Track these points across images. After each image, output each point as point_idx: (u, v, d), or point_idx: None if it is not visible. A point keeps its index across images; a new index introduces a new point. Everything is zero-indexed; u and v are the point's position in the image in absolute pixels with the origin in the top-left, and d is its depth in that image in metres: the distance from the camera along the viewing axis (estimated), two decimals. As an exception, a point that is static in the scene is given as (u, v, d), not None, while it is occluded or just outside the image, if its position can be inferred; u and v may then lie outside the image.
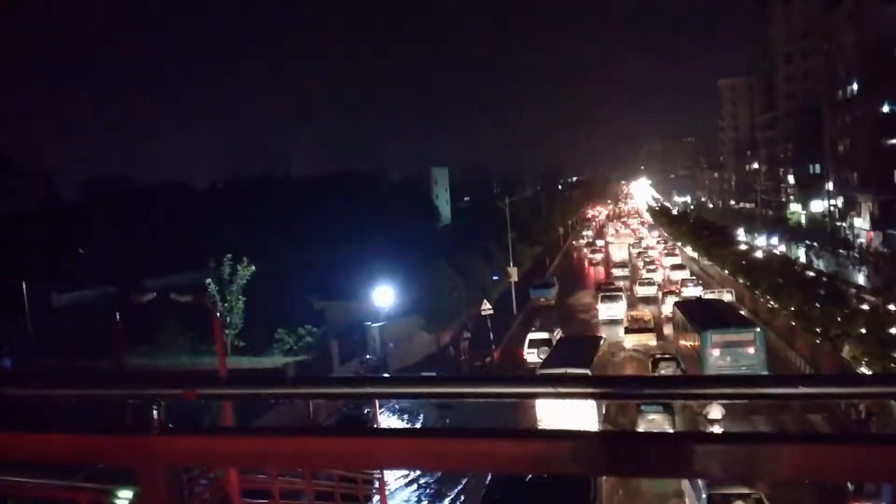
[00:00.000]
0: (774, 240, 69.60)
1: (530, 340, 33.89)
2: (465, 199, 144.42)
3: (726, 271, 43.23)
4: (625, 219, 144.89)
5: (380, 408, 29.58)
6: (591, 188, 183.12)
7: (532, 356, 32.77)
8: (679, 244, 76.13)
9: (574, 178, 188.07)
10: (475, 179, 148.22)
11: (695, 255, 66.61)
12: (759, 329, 28.13)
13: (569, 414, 20.08)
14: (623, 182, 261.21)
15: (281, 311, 34.83)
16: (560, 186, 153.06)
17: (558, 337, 34.15)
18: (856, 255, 55.76)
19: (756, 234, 75.46)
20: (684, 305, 35.19)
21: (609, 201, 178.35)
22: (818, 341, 27.66)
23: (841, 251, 58.45)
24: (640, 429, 20.19)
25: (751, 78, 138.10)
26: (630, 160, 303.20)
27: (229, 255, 34.37)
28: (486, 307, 37.64)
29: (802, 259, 57.20)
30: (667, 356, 28.41)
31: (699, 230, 65.67)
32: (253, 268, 34.32)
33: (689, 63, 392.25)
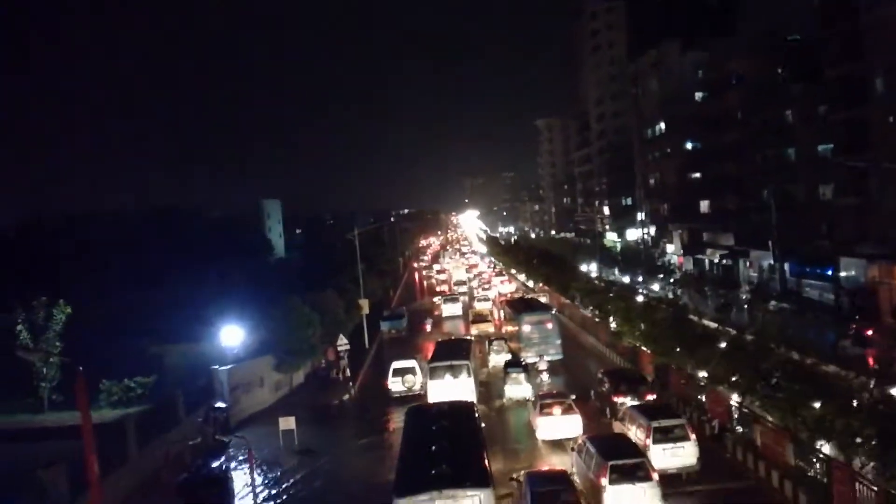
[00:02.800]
0: (593, 266, 73.49)
1: (394, 369, 33.43)
2: (298, 231, 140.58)
3: (576, 300, 45.49)
4: (457, 246, 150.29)
5: (235, 459, 26.68)
6: (423, 220, 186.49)
7: (396, 385, 32.84)
8: (512, 271, 79.75)
9: (406, 211, 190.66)
10: (307, 212, 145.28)
11: (530, 282, 69.56)
12: (554, 311, 40.97)
13: (453, 388, 27.83)
14: (452, 213, 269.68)
15: (108, 358, 30.50)
16: (392, 218, 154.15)
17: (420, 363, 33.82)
18: (672, 279, 60.93)
19: (579, 262, 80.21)
20: (509, 302, 47.39)
21: (440, 232, 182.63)
22: (671, 363, 29.23)
23: (660, 275, 63.62)
24: (507, 384, 30.15)
25: (565, 117, 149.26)
26: (456, 193, 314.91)
27: (43, 298, 29.71)
28: (343, 342, 35.91)
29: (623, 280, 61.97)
30: (498, 337, 40.48)
31: (535, 259, 68.45)
32: (69, 310, 29.91)
33: (508, 103, 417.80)
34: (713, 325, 32.75)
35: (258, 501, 21.17)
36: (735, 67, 60.39)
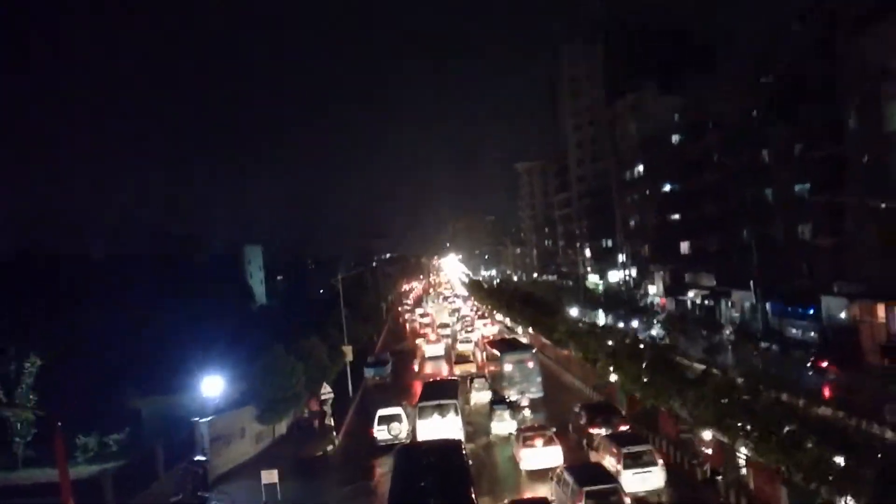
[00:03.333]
0: (575, 309, 73.35)
1: (380, 417, 32.88)
2: (279, 277, 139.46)
3: (561, 342, 45.35)
4: (440, 290, 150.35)
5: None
6: (405, 264, 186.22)
7: (382, 433, 32.25)
8: (495, 313, 79.66)
9: (388, 255, 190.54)
10: (288, 258, 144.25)
11: (513, 325, 69.35)
12: (534, 350, 42.97)
13: (441, 427, 28.93)
14: (435, 257, 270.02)
15: (85, 411, 29.56)
16: (375, 263, 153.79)
17: (406, 410, 33.22)
18: (657, 319, 61.05)
19: (562, 304, 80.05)
20: (491, 342, 50.22)
21: (422, 276, 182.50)
22: (659, 406, 28.98)
23: (644, 317, 63.71)
24: (493, 420, 31.99)
25: (545, 161, 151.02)
26: (437, 237, 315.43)
27: (12, 349, 28.79)
28: (326, 391, 35.27)
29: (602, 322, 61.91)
30: (479, 375, 42.72)
31: (518, 302, 68.32)
32: (40, 362, 28.91)
33: (488, 147, 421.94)
34: (700, 366, 32.66)
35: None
36: (711, 110, 61.68)
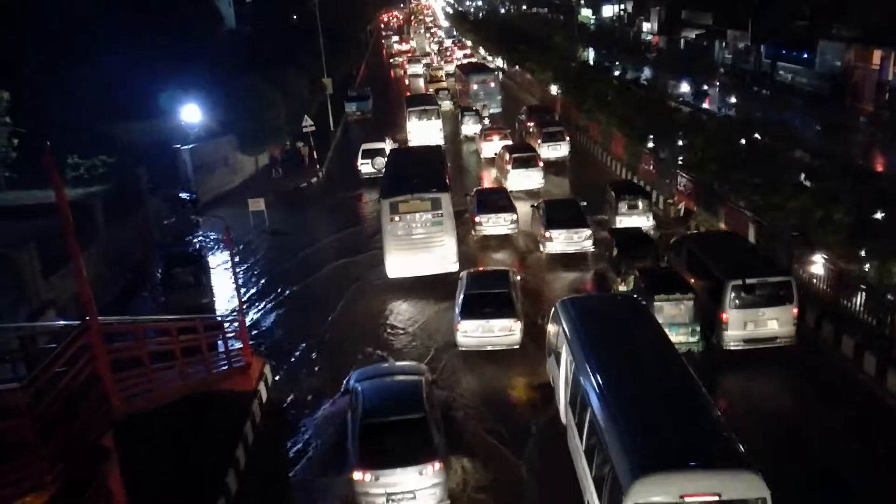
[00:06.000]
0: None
1: (363, 151, 33.06)
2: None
3: (554, 86, 44.08)
4: (421, 17, 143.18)
5: (207, 238, 26.79)
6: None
7: (366, 167, 32.60)
8: (481, 50, 76.36)
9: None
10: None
11: (500, 62, 66.95)
12: (496, 72, 51.88)
13: (426, 127, 36.50)
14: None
15: (59, 135, 28.78)
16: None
17: (391, 147, 32.98)
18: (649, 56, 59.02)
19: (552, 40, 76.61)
20: (461, 66, 57.65)
21: (402, 4, 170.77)
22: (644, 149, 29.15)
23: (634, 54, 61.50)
24: (463, 124, 40.17)
25: None
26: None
27: None
28: (308, 123, 34.63)
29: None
30: (442, 89, 51.52)
31: (508, 37, 65.03)
32: (7, 94, 27.32)
33: None
34: (687, 109, 32.38)
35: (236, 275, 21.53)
36: None
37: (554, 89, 43.37)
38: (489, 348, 16.32)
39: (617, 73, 48.52)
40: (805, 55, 47.74)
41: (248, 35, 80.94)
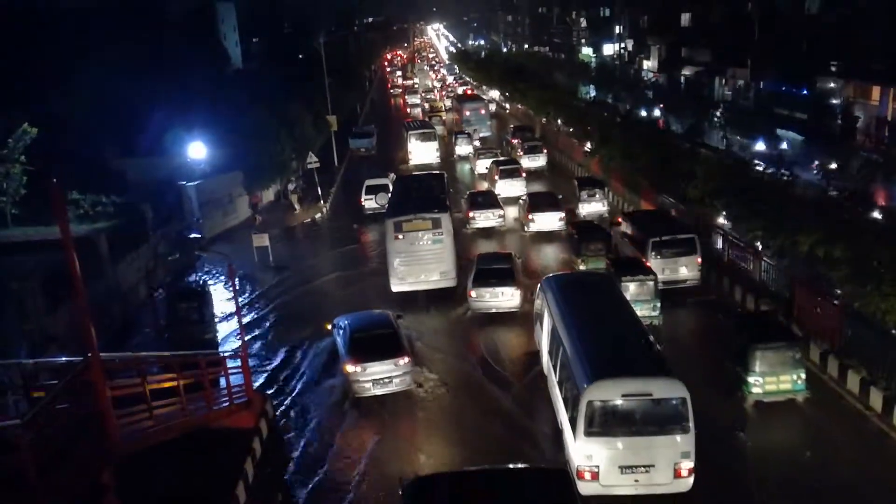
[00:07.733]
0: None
1: (367, 187, 33.30)
2: (255, 40, 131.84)
3: (559, 121, 45.30)
4: (424, 54, 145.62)
5: (211, 274, 26.88)
6: (388, 31, 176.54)
7: (370, 202, 32.73)
8: (484, 88, 77.50)
9: (370, 19, 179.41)
10: (262, 17, 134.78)
11: (500, 97, 67.84)
12: (487, 102, 59.25)
13: (425, 148, 43.60)
14: (420, 22, 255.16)
15: (68, 172, 29.05)
16: (356, 28, 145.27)
17: (393, 180, 33.30)
18: (649, 93, 59.75)
19: (555, 77, 77.87)
20: (457, 96, 68.13)
21: (406, 44, 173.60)
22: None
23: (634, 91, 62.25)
24: (457, 145, 46.06)
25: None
26: (422, 2, 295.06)
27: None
28: (312, 160, 35.01)
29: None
30: (440, 115, 59.32)
31: (510, 74, 65.97)
32: (34, 131, 27.52)
33: None
34: (687, 144, 32.70)
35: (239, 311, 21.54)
36: None
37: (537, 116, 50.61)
38: (494, 311, 20.35)
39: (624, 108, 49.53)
40: (804, 90, 48.21)
41: (254, 73, 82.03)
